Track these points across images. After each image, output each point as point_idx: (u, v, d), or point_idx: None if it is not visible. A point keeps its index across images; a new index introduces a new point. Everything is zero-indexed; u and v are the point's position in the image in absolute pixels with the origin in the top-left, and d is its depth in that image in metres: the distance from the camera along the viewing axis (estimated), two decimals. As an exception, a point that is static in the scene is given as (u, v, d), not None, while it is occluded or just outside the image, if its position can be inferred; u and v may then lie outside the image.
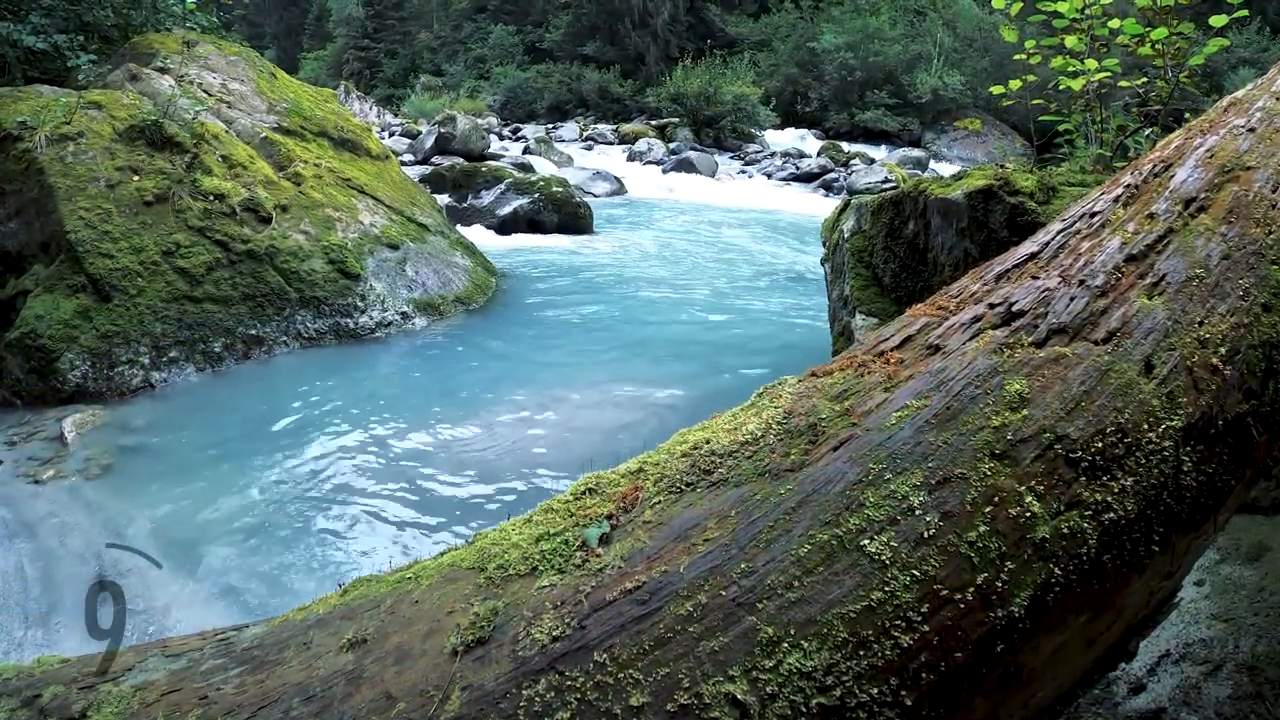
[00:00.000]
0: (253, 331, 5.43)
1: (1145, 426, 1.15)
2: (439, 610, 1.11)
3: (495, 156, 15.49)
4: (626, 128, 23.04)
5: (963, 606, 1.02)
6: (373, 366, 5.49)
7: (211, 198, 5.55)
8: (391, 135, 18.23)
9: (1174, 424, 1.16)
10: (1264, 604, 1.92)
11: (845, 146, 20.44)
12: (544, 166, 14.82)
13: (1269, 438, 1.28)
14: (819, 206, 13.57)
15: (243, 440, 4.31)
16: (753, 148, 21.45)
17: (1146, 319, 1.24)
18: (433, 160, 14.39)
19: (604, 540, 1.12)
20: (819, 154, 19.47)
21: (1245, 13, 3.26)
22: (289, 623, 1.21)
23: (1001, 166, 3.48)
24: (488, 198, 10.54)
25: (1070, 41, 3.62)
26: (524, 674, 0.99)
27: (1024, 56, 3.83)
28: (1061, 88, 3.77)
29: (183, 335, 5.10)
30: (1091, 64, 3.63)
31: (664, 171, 17.46)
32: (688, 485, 1.16)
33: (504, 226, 10.20)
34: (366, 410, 4.71)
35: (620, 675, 0.98)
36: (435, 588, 1.16)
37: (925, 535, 1.04)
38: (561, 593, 1.06)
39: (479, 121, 18.08)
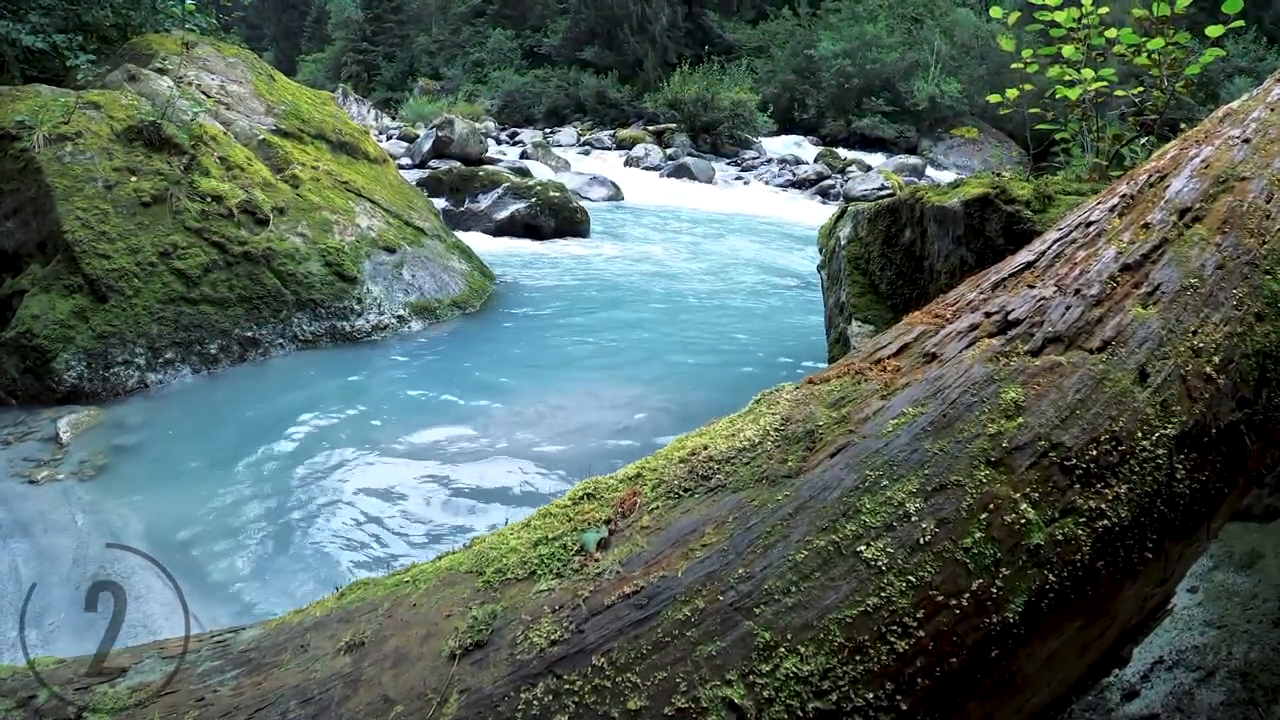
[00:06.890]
0: (249, 333, 5.43)
1: (1139, 434, 1.15)
2: (437, 614, 1.11)
3: (492, 161, 15.51)
4: (624, 133, 23.12)
5: (958, 612, 1.02)
6: (368, 369, 5.48)
7: (209, 199, 5.54)
8: (389, 139, 18.26)
9: (1168, 432, 1.17)
10: (1257, 611, 1.93)
11: (842, 153, 20.52)
12: (541, 171, 14.83)
13: (1262, 445, 1.28)
14: (815, 213, 13.60)
15: (238, 442, 4.30)
16: (750, 154, 21.52)
17: (1141, 328, 1.25)
18: (430, 164, 14.40)
19: (602, 545, 1.13)
20: (816, 160, 19.54)
21: (1242, 23, 3.28)
22: (286, 625, 1.21)
23: (998, 175, 3.50)
24: (485, 202, 10.54)
25: (1067, 50, 3.65)
26: (522, 678, 0.99)
27: (1021, 65, 3.85)
28: (1058, 96, 3.79)
29: (179, 336, 5.09)
30: (1088, 73, 3.65)
31: (661, 177, 17.51)
32: (685, 491, 1.17)
33: (501, 230, 10.21)
34: (362, 413, 4.71)
35: (618, 679, 0.98)
36: (433, 591, 1.16)
37: (921, 541, 1.05)
38: (559, 597, 1.06)
39: (477, 125, 18.10)
